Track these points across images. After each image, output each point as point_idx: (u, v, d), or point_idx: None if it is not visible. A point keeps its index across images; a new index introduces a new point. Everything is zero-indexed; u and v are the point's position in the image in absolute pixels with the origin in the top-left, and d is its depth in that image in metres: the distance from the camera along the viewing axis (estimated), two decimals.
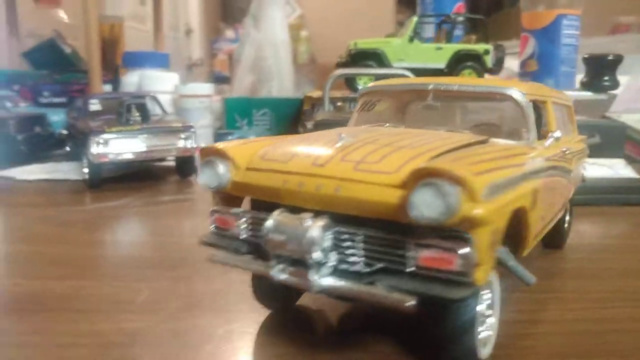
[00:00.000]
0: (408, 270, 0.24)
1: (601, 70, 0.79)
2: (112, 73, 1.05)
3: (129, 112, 0.71)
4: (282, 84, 1.18)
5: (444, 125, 0.35)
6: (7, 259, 0.47)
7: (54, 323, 0.33)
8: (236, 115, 1.03)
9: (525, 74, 1.12)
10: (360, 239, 0.25)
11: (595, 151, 0.66)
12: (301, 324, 0.33)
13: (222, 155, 0.28)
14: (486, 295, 0.28)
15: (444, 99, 0.36)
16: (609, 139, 0.67)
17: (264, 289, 0.32)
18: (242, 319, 0.34)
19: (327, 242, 0.25)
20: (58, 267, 0.43)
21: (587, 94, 0.80)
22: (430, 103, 0.36)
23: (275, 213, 0.25)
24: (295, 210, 0.26)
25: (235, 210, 0.28)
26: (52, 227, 0.54)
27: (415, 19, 0.95)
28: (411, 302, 0.22)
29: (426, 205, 0.22)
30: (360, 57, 0.94)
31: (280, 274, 0.25)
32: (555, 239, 0.47)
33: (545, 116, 0.39)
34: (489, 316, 0.29)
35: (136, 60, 1.07)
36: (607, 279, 0.41)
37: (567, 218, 0.49)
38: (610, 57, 0.78)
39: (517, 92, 0.34)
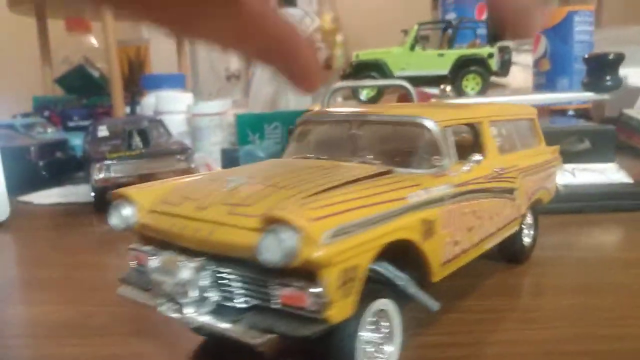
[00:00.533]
0: (274, 307, 0.25)
1: (603, 70, 0.76)
2: (130, 96, 1.11)
3: (130, 137, 0.75)
4: (299, 96, 1.21)
5: (365, 155, 0.36)
6: None
7: (6, 349, 0.36)
8: (248, 130, 1.06)
9: (539, 74, 1.10)
10: (235, 278, 0.26)
11: (586, 157, 0.65)
12: (230, 350, 0.35)
13: (127, 198, 0.31)
14: (382, 324, 0.30)
15: (368, 129, 0.37)
16: (600, 144, 0.65)
17: None
18: (179, 344, 0.36)
19: (205, 281, 0.27)
20: (32, 292, 0.47)
21: (589, 95, 0.78)
22: (353, 133, 0.38)
23: (161, 254, 0.28)
24: (186, 251, 0.28)
25: (145, 248, 0.31)
26: (46, 251, 0.59)
27: (415, 26, 0.95)
28: (260, 340, 0.24)
29: (269, 250, 0.23)
30: (363, 69, 0.96)
31: (167, 310, 0.28)
32: (512, 255, 0.47)
33: (481, 138, 0.40)
34: (384, 344, 0.30)
35: (154, 82, 1.12)
36: (554, 297, 0.41)
37: (532, 232, 0.48)
38: (611, 57, 0.76)
39: (429, 120, 0.34)
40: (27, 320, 0.41)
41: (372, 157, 0.35)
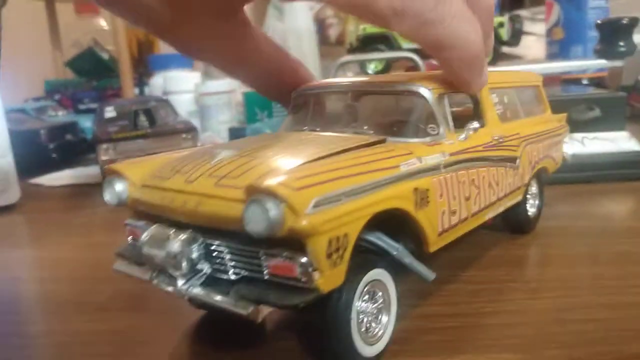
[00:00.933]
0: (265, 278, 0.25)
1: (616, 36, 0.74)
2: (138, 77, 1.11)
3: (136, 117, 0.76)
4: None
5: (360, 126, 0.35)
6: None
7: (16, 326, 0.37)
8: (256, 108, 1.05)
9: (552, 43, 1.07)
10: (225, 250, 0.26)
11: (596, 125, 0.64)
12: (228, 324, 0.35)
13: (118, 174, 0.31)
14: (377, 295, 0.30)
15: (363, 99, 0.37)
16: (610, 112, 0.64)
17: None
18: (178, 318, 0.36)
19: (196, 253, 0.27)
20: (42, 271, 0.47)
21: (601, 62, 0.76)
22: (348, 104, 0.37)
23: (151, 228, 0.28)
24: (177, 224, 0.28)
25: (139, 223, 0.31)
26: (56, 231, 0.60)
27: None
28: (247, 311, 0.24)
29: (254, 220, 0.23)
30: (370, 42, 0.94)
31: (160, 283, 0.28)
32: (517, 225, 0.46)
33: (480, 105, 0.39)
34: (380, 314, 0.30)
35: (161, 63, 1.12)
36: (558, 267, 0.40)
37: (537, 202, 0.48)
38: (624, 21, 0.73)
39: (423, 88, 0.34)
40: (36, 297, 0.42)
41: (367, 127, 0.35)
